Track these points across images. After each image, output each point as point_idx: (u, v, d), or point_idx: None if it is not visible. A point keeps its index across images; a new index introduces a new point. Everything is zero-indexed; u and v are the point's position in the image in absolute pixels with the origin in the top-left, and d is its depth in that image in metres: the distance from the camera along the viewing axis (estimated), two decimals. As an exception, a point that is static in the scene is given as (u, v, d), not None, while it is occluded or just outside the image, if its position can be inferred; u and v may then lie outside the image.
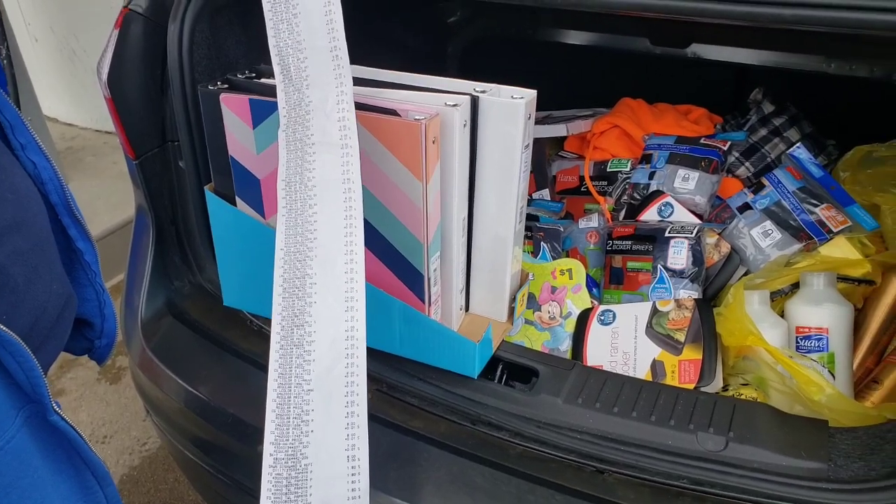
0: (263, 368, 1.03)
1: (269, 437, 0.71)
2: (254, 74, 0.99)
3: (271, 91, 0.88)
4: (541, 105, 0.96)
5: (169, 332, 1.13)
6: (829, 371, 0.97)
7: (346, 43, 0.79)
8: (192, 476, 1.23)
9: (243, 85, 0.96)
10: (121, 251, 1.28)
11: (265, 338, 1.09)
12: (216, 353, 1.09)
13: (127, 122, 1.08)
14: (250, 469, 1.01)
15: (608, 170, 1.40)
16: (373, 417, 0.96)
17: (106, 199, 2.72)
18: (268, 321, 1.09)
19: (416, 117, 0.84)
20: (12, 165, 0.68)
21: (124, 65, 1.05)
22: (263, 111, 0.91)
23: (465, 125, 0.90)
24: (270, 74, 0.93)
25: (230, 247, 1.04)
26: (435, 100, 0.89)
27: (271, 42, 0.81)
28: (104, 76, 1.04)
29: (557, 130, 1.48)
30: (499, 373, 1.00)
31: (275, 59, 0.80)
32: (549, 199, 1.46)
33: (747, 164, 1.32)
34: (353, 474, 0.72)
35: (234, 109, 0.93)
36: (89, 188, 2.86)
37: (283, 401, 0.72)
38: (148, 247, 1.17)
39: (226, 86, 0.96)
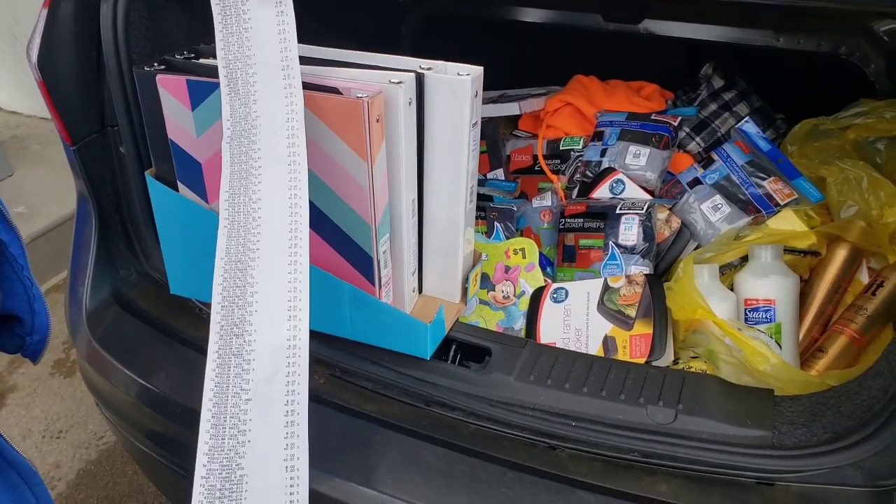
0: (213, 356, 1.03)
1: (202, 448, 0.69)
2: (192, 55, 0.96)
3: (211, 71, 0.85)
4: (496, 84, 0.95)
5: (115, 322, 1.10)
6: (776, 341, 0.99)
7: (297, 56, 0.79)
8: (147, 468, 1.21)
9: (181, 66, 0.93)
10: (69, 245, 1.24)
11: (215, 325, 1.07)
12: (165, 343, 1.06)
13: (61, 107, 1.04)
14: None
15: (561, 148, 1.40)
16: (326, 402, 0.95)
17: (55, 189, 2.64)
18: (217, 308, 1.07)
19: (359, 95, 0.82)
20: None
21: (55, 46, 1.01)
22: (202, 92, 0.88)
23: (410, 103, 0.88)
24: (210, 55, 0.90)
25: (174, 233, 1.02)
26: (379, 77, 0.87)
27: (220, 54, 0.80)
28: (34, 58, 1.00)
29: (510, 109, 1.47)
30: (452, 353, 1.00)
31: (222, 72, 0.79)
32: (503, 179, 1.45)
33: (698, 139, 1.33)
34: (291, 485, 0.69)
35: (171, 91, 0.90)
36: (36, 178, 2.76)
37: (220, 410, 0.70)
38: (91, 236, 1.13)
39: (163, 67, 0.92)
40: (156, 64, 0.93)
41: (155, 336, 1.07)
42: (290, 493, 0.69)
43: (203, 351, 1.02)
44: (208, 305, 1.07)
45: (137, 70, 0.92)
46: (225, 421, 0.69)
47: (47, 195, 2.61)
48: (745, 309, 1.02)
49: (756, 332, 0.96)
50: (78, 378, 2.07)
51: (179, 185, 0.97)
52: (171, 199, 0.97)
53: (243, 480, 0.68)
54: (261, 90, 0.78)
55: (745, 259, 1.08)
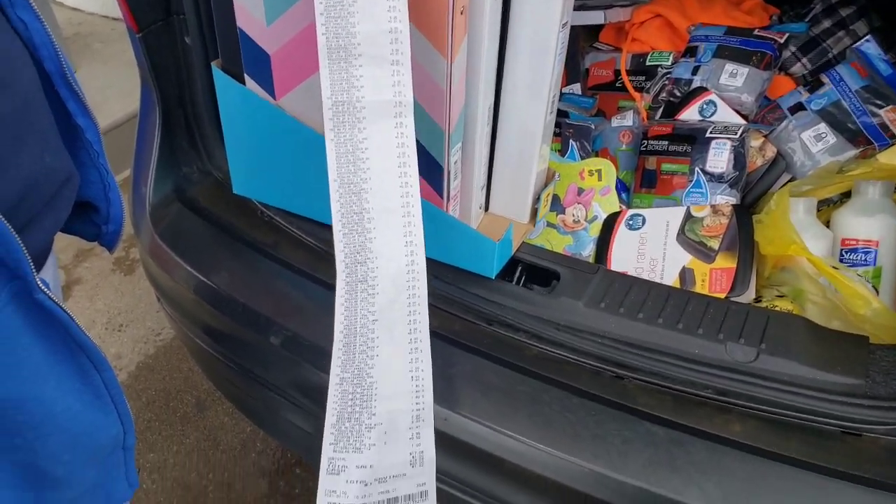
0: (275, 259, 1.01)
1: (336, 362, 0.75)
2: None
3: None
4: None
5: (177, 218, 1.09)
6: (874, 287, 0.91)
7: None
8: (203, 364, 1.23)
9: (252, -54, 0.86)
10: (131, 144, 1.22)
11: (275, 229, 1.05)
12: (226, 242, 1.05)
13: (128, -11, 0.99)
14: (261, 358, 1.00)
15: (647, 63, 1.30)
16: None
17: (117, 87, 2.64)
18: (278, 211, 1.05)
19: (444, -17, 0.75)
20: None
21: (123, -77, 0.95)
22: (274, -23, 0.82)
23: (496, -3, 0.80)
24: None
25: (239, 131, 0.98)
26: (465, -34, 0.79)
27: None
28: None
29: (594, 18, 1.35)
30: (517, 274, 0.95)
31: None
32: (580, 93, 1.36)
33: (805, 59, 1.20)
34: (417, 391, 0.75)
35: (241, -26, 0.84)
36: (98, 76, 2.77)
37: (350, 331, 0.74)
38: (154, 128, 1.11)
39: (233, -53, 0.86)
40: (226, -56, 0.86)
41: (216, 235, 1.06)
42: (416, 398, 0.75)
43: (263, 252, 1.02)
44: (270, 208, 1.06)
45: (206, -50, 0.86)
46: (355, 340, 0.74)
47: (109, 93, 2.62)
48: (842, 249, 0.94)
49: (853, 275, 0.88)
50: (137, 276, 2.13)
51: (247, 78, 0.92)
52: (238, 92, 0.93)
53: (373, 386, 0.74)
54: None
55: (846, 196, 0.99)
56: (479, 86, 0.84)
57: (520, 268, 0.96)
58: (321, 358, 0.83)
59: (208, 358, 1.11)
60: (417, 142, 0.87)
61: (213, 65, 0.95)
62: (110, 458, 0.73)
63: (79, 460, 0.68)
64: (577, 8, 1.40)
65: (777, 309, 0.89)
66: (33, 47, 0.66)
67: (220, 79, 0.94)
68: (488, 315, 0.90)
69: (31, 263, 0.57)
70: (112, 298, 2.06)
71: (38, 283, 0.58)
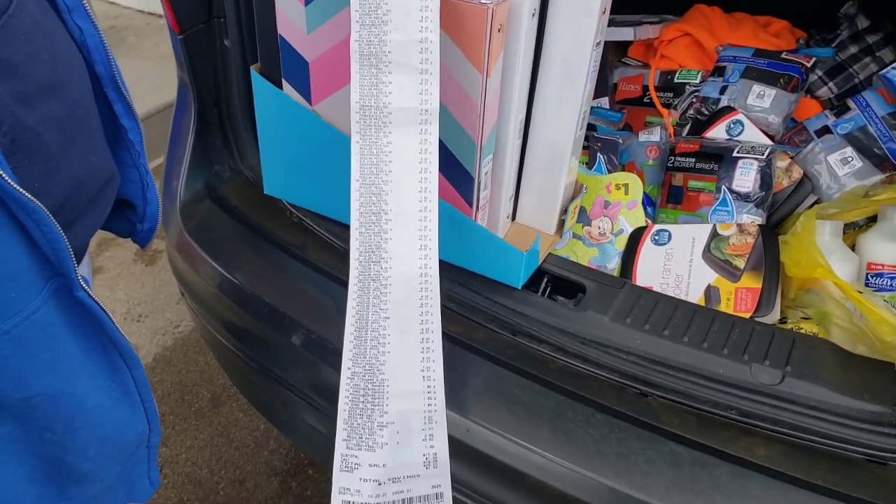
0: (302, 260, 1.02)
1: (347, 355, 0.76)
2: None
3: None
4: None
5: (207, 215, 1.11)
6: (898, 312, 0.91)
7: None
8: (223, 360, 1.24)
9: (296, -46, 0.87)
10: (161, 134, 1.25)
11: (304, 230, 1.06)
12: (254, 241, 1.06)
13: (172, -8, 1.01)
14: (281, 358, 1.01)
15: (675, 80, 1.30)
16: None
17: (149, 80, 2.67)
18: (308, 213, 1.06)
19: (483, 1, 0.76)
20: (55, 27, 0.63)
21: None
22: (316, -15, 0.83)
23: (533, 14, 0.81)
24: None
25: (274, 133, 0.99)
26: (504, -17, 0.80)
27: None
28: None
29: (623, 34, 1.36)
30: (543, 285, 0.96)
31: None
32: (607, 107, 1.37)
33: (831, 84, 1.21)
34: (428, 392, 0.75)
35: (284, -19, 0.85)
36: (132, 69, 2.80)
37: (361, 325, 0.75)
38: (189, 126, 1.13)
39: (277, -45, 0.88)
40: (270, -49, 0.88)
41: (245, 233, 1.07)
42: (428, 398, 0.75)
43: (291, 254, 1.03)
44: (299, 209, 1.07)
45: (251, -44, 0.88)
46: (366, 334, 0.75)
47: (141, 87, 2.65)
48: (868, 273, 0.94)
49: (879, 300, 0.88)
50: (158, 266, 2.15)
51: (284, 83, 0.94)
52: (275, 96, 0.94)
53: (385, 383, 0.75)
54: None
55: (872, 220, 0.99)
56: (513, 101, 0.85)
57: (546, 279, 0.97)
58: (341, 361, 0.84)
59: (228, 354, 1.13)
60: (449, 152, 0.88)
61: (253, 69, 0.96)
62: (134, 456, 0.74)
63: (105, 456, 0.69)
64: (608, 23, 1.41)
65: (802, 331, 0.89)
66: (87, 51, 0.68)
67: (259, 83, 0.95)
68: (513, 325, 0.91)
69: (74, 260, 0.59)
70: (133, 288, 2.09)
71: (80, 280, 0.60)
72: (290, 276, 1.02)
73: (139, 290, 2.08)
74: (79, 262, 0.74)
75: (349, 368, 0.76)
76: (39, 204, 0.55)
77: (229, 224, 1.08)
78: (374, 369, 0.75)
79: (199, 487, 1.59)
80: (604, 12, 0.84)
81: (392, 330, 0.75)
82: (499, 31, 0.78)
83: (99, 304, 0.63)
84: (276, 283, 1.02)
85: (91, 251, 2.23)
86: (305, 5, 0.85)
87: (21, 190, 0.53)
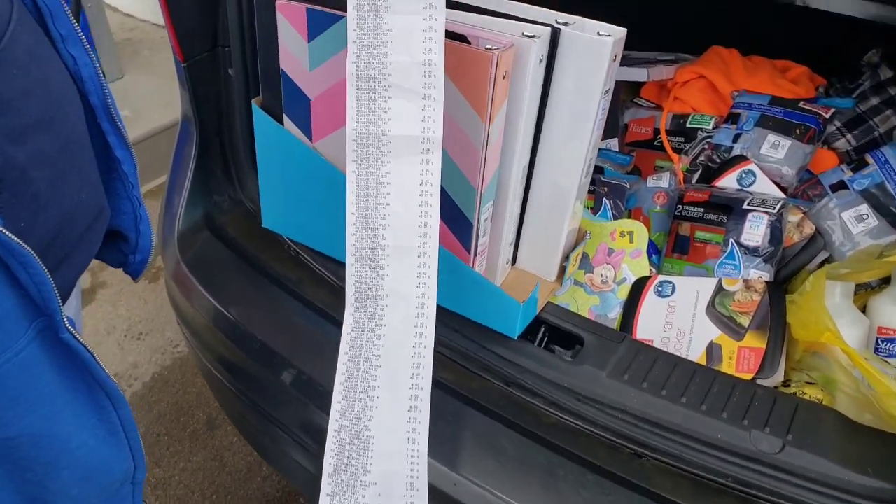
0: (297, 296, 1.00)
1: (335, 406, 0.74)
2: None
3: (333, 1, 0.79)
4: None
5: (205, 246, 1.10)
6: (909, 380, 0.88)
7: None
8: (215, 390, 1.22)
9: (302, -9, 0.87)
10: (167, 151, 1.24)
11: (301, 264, 1.05)
12: (250, 274, 1.05)
13: (178, 21, 1.00)
14: (273, 396, 0.99)
15: (688, 125, 1.28)
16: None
17: (159, 95, 2.69)
18: (305, 248, 1.04)
19: (489, 47, 0.74)
20: (49, 58, 0.62)
21: (177, -44, 0.97)
22: (321, 23, 0.82)
23: (541, 61, 0.80)
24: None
25: (274, 168, 0.98)
26: (511, 28, 0.79)
27: None
28: (155, -33, 0.96)
29: (637, 74, 1.35)
30: (540, 335, 0.94)
31: None
32: (616, 150, 1.35)
33: (849, 135, 1.18)
34: (412, 455, 0.72)
35: (289, 18, 0.84)
36: (144, 83, 2.83)
37: (352, 374, 0.73)
38: (191, 155, 1.12)
39: (283, -10, 0.87)
40: (277, -14, 0.87)
41: (241, 266, 1.06)
42: (411, 463, 0.72)
43: (286, 289, 1.02)
44: (297, 243, 1.06)
45: (257, -9, 0.87)
46: (356, 384, 0.73)
47: (152, 101, 2.67)
48: (878, 338, 0.91)
49: (890, 368, 0.85)
50: (161, 284, 2.14)
51: (285, 118, 0.93)
52: (275, 131, 0.93)
53: (370, 441, 0.73)
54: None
55: (884, 282, 0.96)
56: (516, 148, 0.83)
57: (543, 328, 0.94)
58: (330, 410, 0.82)
59: (220, 386, 1.11)
60: (448, 197, 0.86)
61: (254, 102, 0.96)
62: (119, 493, 0.73)
63: (88, 495, 0.68)
64: (621, 63, 1.40)
65: (806, 396, 0.86)
66: (80, 81, 0.67)
67: (260, 117, 0.94)
68: (507, 376, 0.88)
69: (60, 301, 0.57)
70: (135, 305, 2.08)
71: (65, 321, 0.58)
72: (283, 313, 1.00)
73: (141, 308, 2.07)
74: (67, 298, 0.73)
75: (336, 421, 0.74)
76: (26, 247, 0.53)
77: (226, 256, 1.07)
78: (361, 424, 0.73)
79: (189, 513, 1.57)
80: (615, 59, 0.82)
81: (382, 381, 0.73)
82: (503, 78, 0.76)
83: (84, 345, 0.61)
84: (270, 320, 1.00)
85: (94, 265, 2.22)
86: (308, 41, 0.84)
87: (7, 233, 0.51)
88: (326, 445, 0.74)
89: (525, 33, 0.77)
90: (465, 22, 0.80)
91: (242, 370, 1.03)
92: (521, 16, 0.82)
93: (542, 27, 0.78)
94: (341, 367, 0.74)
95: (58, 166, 0.61)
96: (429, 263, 0.72)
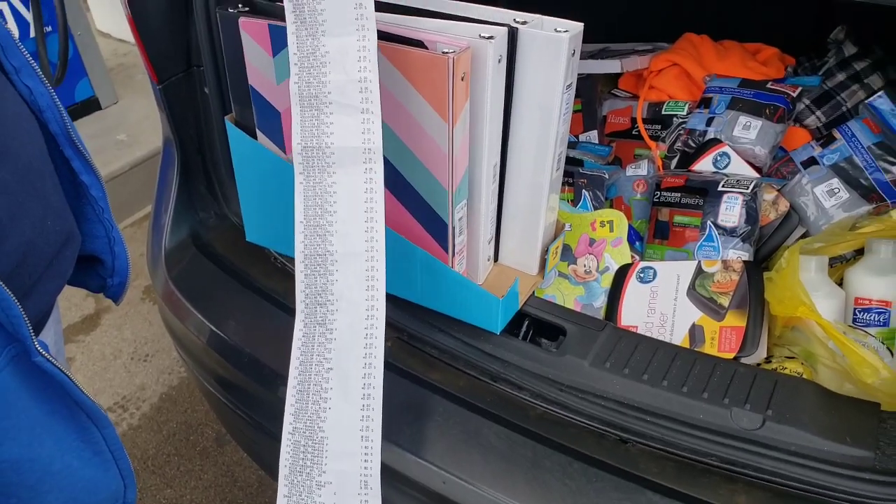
0: (285, 308, 1.02)
1: (289, 409, 0.76)
2: (278, -4, 0.92)
3: (293, 15, 0.81)
4: (597, 38, 0.86)
5: (192, 264, 1.12)
6: (888, 348, 0.89)
7: None
8: (214, 408, 1.24)
9: (264, 8, 0.89)
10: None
11: (288, 275, 1.06)
12: (238, 290, 1.06)
13: (149, 44, 1.03)
14: (269, 409, 1.00)
15: (663, 112, 1.29)
16: (391, 366, 0.93)
17: (155, 119, 2.69)
18: (291, 259, 1.06)
19: (444, 50, 0.76)
20: (3, 90, 0.64)
21: (144, -19, 0.99)
22: (285, 38, 0.84)
23: (499, 60, 0.81)
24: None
25: (251, 182, 1.00)
26: (468, 30, 0.80)
27: None
28: (124, -6, 0.99)
29: (611, 66, 1.36)
30: (524, 329, 0.95)
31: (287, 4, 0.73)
32: (596, 141, 1.36)
33: (818, 112, 1.19)
34: (365, 454, 0.74)
35: (253, 35, 0.86)
36: (139, 107, 2.86)
37: (305, 377, 0.75)
38: (174, 175, 1.14)
39: (246, 8, 0.89)
40: (240, 5, 0.89)
41: (229, 282, 1.08)
42: (365, 461, 0.74)
43: (274, 301, 1.03)
44: (283, 255, 1.08)
45: (221, 12, 0.89)
46: (309, 387, 0.75)
47: (147, 125, 2.69)
48: (855, 308, 0.92)
49: (865, 337, 0.86)
50: (165, 306, 2.17)
51: (258, 132, 0.95)
52: (249, 146, 0.95)
53: (324, 442, 0.75)
54: (330, 20, 0.71)
55: (859, 253, 0.97)
56: (483, 147, 0.85)
57: (527, 322, 0.96)
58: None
59: (218, 403, 1.13)
60: (422, 199, 0.88)
61: (227, 119, 0.98)
62: (109, 514, 0.74)
63: None
64: (595, 55, 1.41)
65: (787, 370, 0.87)
66: (38, 110, 0.69)
67: (234, 133, 0.96)
68: (493, 372, 0.90)
69: (31, 327, 0.59)
70: (140, 328, 2.10)
71: (37, 345, 0.60)
72: (273, 327, 1.02)
73: (146, 330, 2.09)
74: (44, 323, 0.74)
75: (290, 423, 0.76)
76: None
77: (214, 272, 1.09)
78: (315, 426, 0.75)
79: (202, 530, 1.58)
80: (573, 54, 0.84)
81: (334, 384, 0.75)
82: (462, 79, 0.78)
83: (59, 368, 0.63)
84: (259, 335, 1.02)
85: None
86: (273, 56, 0.86)
87: None
88: (281, 448, 0.76)
89: (481, 35, 0.78)
90: (424, 28, 0.82)
91: (237, 386, 1.05)
92: (478, 17, 0.84)
93: (499, 27, 0.80)
94: (293, 372, 0.76)
95: (17, 196, 0.62)
96: (377, 267, 0.75)
